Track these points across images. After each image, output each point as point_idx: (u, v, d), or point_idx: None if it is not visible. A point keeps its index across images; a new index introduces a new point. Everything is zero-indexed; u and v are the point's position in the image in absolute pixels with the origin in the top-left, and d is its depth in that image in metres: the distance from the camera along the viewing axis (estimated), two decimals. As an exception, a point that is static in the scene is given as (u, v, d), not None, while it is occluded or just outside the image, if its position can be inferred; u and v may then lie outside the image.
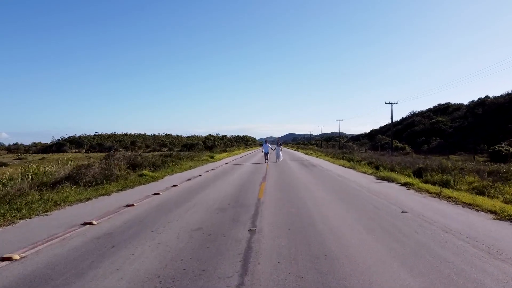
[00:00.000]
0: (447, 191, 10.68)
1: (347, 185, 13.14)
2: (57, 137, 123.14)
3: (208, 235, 5.93)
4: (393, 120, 58.98)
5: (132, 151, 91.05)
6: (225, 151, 53.74)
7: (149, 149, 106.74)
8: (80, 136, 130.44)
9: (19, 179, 14.38)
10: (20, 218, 7.50)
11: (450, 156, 40.69)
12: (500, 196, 9.98)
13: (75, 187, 12.14)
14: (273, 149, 29.71)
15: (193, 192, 11.46)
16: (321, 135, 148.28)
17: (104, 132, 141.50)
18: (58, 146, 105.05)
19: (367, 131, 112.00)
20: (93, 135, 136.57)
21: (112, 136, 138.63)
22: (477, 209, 8.16)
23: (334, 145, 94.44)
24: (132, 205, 9.01)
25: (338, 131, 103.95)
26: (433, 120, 75.95)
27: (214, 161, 31.18)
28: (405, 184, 12.95)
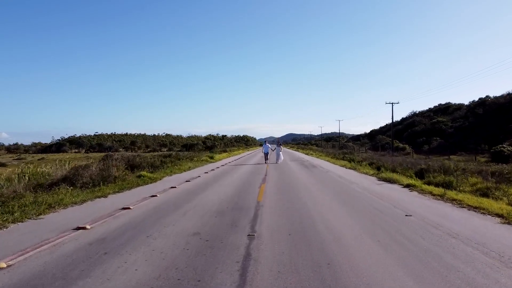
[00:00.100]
0: (451, 193, 10.44)
1: (349, 187, 12.90)
2: (57, 137, 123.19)
3: (206, 241, 5.69)
4: (393, 120, 58.72)
5: (131, 151, 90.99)
6: (225, 151, 53.49)
7: (149, 149, 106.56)
8: (80, 136, 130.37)
9: (16, 180, 14.16)
10: (12, 222, 7.25)
11: (451, 157, 40.50)
12: (505, 198, 9.74)
13: (71, 189, 11.91)
14: (273, 149, 29.45)
15: (191, 194, 11.22)
16: (321, 135, 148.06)
17: (104, 132, 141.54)
18: (58, 146, 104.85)
19: (367, 131, 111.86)
20: (93, 135, 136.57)
21: (112, 136, 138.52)
22: (483, 213, 7.91)
23: (334, 145, 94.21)
24: (128, 208, 8.77)
25: (338, 131, 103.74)
26: (433, 120, 75.74)
27: (213, 162, 30.94)
28: (407, 186, 12.71)
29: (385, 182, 14.27)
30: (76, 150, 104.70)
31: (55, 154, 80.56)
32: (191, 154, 34.82)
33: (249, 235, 6.01)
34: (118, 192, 12.00)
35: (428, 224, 6.81)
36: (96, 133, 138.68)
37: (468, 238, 5.78)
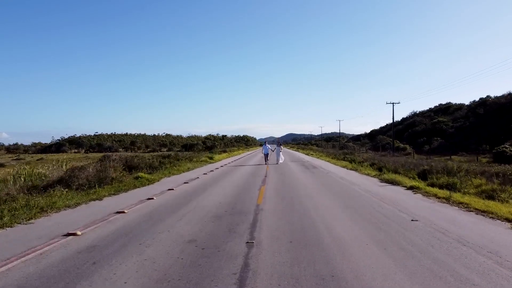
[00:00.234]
0: (456, 196, 10.12)
1: (351, 188, 12.57)
2: (57, 137, 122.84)
3: (201, 249, 5.37)
4: (394, 120, 58.38)
5: (131, 152, 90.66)
6: (224, 151, 53.14)
7: (148, 149, 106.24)
8: (80, 136, 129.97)
9: (11, 182, 13.84)
10: (0, 227, 6.94)
11: (452, 157, 40.18)
12: (511, 201, 9.45)
13: (66, 191, 11.59)
14: (273, 150, 29.10)
15: (189, 196, 10.89)
16: (321, 135, 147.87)
17: (104, 132, 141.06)
18: (58, 147, 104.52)
19: (368, 131, 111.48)
20: (93, 135, 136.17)
21: (112, 136, 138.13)
22: (492, 217, 7.59)
23: (334, 145, 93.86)
24: (123, 212, 8.44)
25: (338, 131, 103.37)
26: (434, 120, 75.41)
27: (213, 162, 30.60)
28: (411, 188, 12.39)
29: (387, 184, 13.94)
30: (76, 150, 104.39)
31: (54, 154, 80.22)
32: (191, 154, 34.49)
33: (247, 242, 5.68)
34: (114, 194, 11.69)
35: (436, 230, 6.49)
36: (96, 133, 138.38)
37: (480, 245, 5.45)
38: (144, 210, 8.80)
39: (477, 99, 76.18)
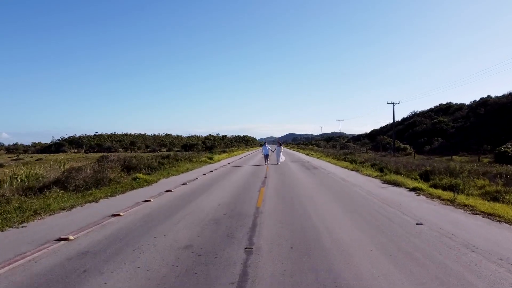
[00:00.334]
0: (461, 198, 9.88)
1: (353, 190, 12.33)
2: (57, 137, 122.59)
3: (198, 256, 5.12)
4: (395, 120, 58.12)
5: (131, 152, 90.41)
6: (224, 151, 52.87)
7: (148, 149, 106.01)
8: (80, 136, 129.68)
9: (7, 183, 13.62)
10: (-10, 232, 6.70)
11: (453, 157, 39.94)
12: (517, 203, 9.21)
13: (62, 193, 11.36)
14: (273, 150, 28.83)
15: (187, 198, 10.65)
16: (322, 135, 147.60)
17: (104, 132, 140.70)
18: (57, 147, 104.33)
19: (368, 131, 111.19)
20: (93, 135, 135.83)
21: (112, 136, 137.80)
22: (499, 220, 7.35)
23: (334, 145, 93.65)
24: (118, 215, 8.20)
25: (338, 131, 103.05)
26: (434, 120, 75.16)
27: (212, 163, 30.36)
28: (414, 189, 12.14)
29: (389, 185, 13.70)
30: (76, 151, 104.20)
31: (54, 154, 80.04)
32: (190, 154, 34.21)
33: (246, 248, 5.44)
34: (110, 196, 11.45)
35: (442, 234, 6.25)
36: (96, 133, 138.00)
37: (489, 251, 5.21)
38: (140, 213, 8.56)
39: (477, 99, 76.00)
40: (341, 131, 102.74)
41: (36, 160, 51.17)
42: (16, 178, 15.17)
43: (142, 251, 5.40)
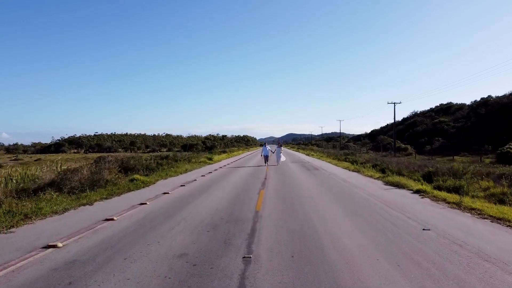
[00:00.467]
0: (467, 200, 9.56)
1: (355, 192, 12.00)
2: (57, 137, 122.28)
3: (193, 266, 4.80)
4: (395, 120, 57.79)
5: (131, 152, 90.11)
6: (224, 152, 52.53)
7: (148, 149, 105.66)
8: (79, 136, 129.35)
9: (2, 185, 13.29)
10: (-24, 238, 6.38)
11: (454, 157, 39.60)
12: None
13: (56, 195, 11.05)
14: (273, 151, 28.48)
15: (184, 201, 10.32)
16: (322, 135, 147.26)
17: (104, 132, 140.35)
18: (57, 147, 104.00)
19: (368, 131, 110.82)
20: (92, 135, 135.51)
21: (112, 136, 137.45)
22: (510, 225, 7.03)
23: (335, 145, 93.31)
24: (112, 219, 7.87)
25: (338, 131, 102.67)
26: (435, 120, 74.82)
27: (212, 163, 30.03)
28: (418, 192, 11.82)
29: (392, 187, 13.38)
30: (75, 151, 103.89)
31: (53, 154, 79.69)
32: (189, 155, 33.86)
33: (244, 257, 5.11)
34: (106, 198, 11.13)
35: (451, 241, 5.92)
36: (96, 133, 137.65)
37: (504, 261, 4.88)
38: (135, 217, 8.23)
39: (478, 99, 75.67)
40: (341, 131, 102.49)
41: (35, 160, 50.89)
42: (11, 179, 14.85)
43: (134, 260, 5.07)
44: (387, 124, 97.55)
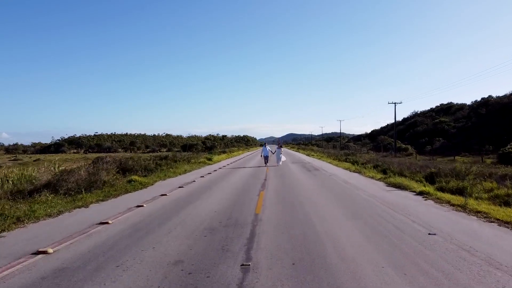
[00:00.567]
0: (472, 203, 9.30)
1: (357, 194, 11.75)
2: (57, 137, 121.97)
3: (188, 274, 4.55)
4: (396, 120, 57.54)
5: (131, 152, 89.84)
6: (224, 152, 52.28)
7: (148, 149, 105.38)
8: (79, 136, 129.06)
9: (-2, 185, 13.05)
10: (-36, 243, 6.13)
11: (455, 158, 39.35)
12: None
13: (52, 196, 10.81)
14: (273, 152, 28.24)
15: (182, 204, 10.07)
16: (322, 135, 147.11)
17: (104, 133, 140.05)
18: (57, 147, 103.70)
19: (368, 131, 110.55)
20: (92, 135, 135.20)
21: (112, 137, 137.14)
22: (518, 230, 6.78)
23: (335, 145, 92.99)
24: (107, 223, 7.63)
25: (339, 131, 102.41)
26: (435, 120, 74.54)
27: (211, 164, 29.79)
28: (420, 193, 11.56)
29: (394, 188, 13.13)
30: (75, 151, 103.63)
31: (53, 154, 79.45)
32: (189, 155, 33.59)
33: (242, 265, 4.86)
34: (102, 200, 10.89)
35: (459, 247, 5.67)
36: (96, 133, 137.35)
37: (516, 269, 4.64)
38: (130, 220, 7.99)
39: (479, 99, 75.42)
40: (341, 131, 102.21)
41: (34, 160, 50.61)
42: (7, 180, 14.60)
43: (126, 268, 4.82)
44: (388, 124, 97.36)
